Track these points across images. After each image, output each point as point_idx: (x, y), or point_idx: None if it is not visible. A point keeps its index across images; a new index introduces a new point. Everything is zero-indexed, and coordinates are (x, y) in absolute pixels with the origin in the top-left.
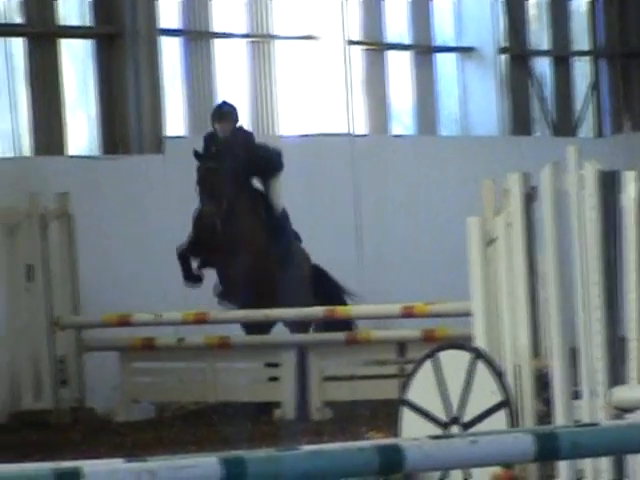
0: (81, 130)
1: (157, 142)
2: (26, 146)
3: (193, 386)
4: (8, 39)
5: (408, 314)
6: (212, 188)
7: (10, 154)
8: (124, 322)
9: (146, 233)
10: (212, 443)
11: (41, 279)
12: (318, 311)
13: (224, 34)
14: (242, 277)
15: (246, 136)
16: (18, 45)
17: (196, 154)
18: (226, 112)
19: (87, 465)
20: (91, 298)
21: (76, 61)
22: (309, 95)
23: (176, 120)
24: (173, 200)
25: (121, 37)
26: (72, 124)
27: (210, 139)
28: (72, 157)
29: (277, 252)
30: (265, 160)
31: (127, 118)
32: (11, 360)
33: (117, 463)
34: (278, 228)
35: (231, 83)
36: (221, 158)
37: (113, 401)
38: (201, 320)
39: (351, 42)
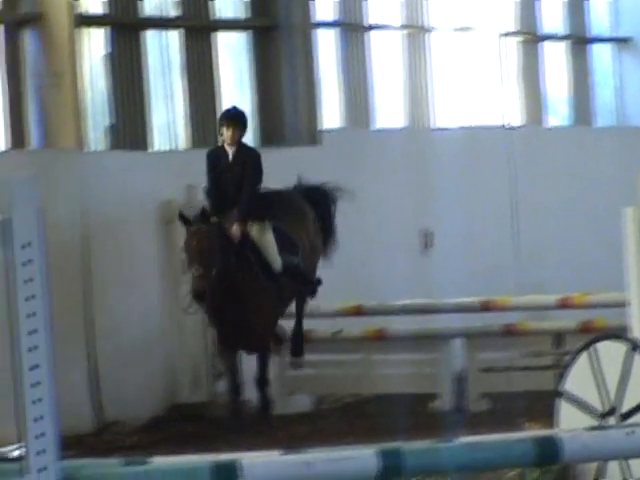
0: None
1: (313, 134)
2: (182, 139)
3: (350, 378)
4: (164, 32)
5: (565, 305)
6: (200, 253)
7: (167, 147)
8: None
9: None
10: (369, 435)
11: None
12: (474, 302)
13: (379, 26)
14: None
15: (251, 156)
16: (174, 38)
17: (181, 217)
18: (234, 115)
19: (245, 457)
20: None
21: (231, 54)
22: (464, 87)
23: (332, 112)
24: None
25: (276, 30)
26: None
27: (213, 157)
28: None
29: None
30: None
31: (283, 110)
32: (168, 355)
33: (274, 455)
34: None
35: (386, 75)
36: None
37: (273, 392)
38: (357, 312)
39: (506, 33)
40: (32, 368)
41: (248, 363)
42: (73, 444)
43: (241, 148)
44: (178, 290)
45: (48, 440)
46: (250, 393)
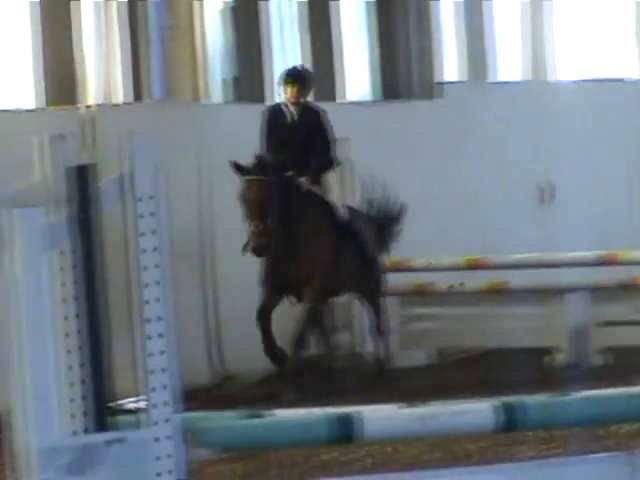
0: (359, 76)
1: (432, 87)
2: None
3: (468, 332)
4: None
5: None
6: (259, 206)
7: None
8: (399, 267)
9: (429, 179)
10: (489, 389)
11: None
12: (594, 255)
13: None
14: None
15: (315, 116)
16: None
17: (236, 166)
18: (299, 72)
19: (366, 410)
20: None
21: (351, 7)
22: (587, 39)
23: (452, 65)
24: (450, 148)
25: None
26: (350, 71)
27: (273, 117)
28: (350, 103)
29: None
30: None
31: (404, 64)
32: (288, 306)
33: (395, 408)
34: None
35: (503, 29)
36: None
37: (393, 345)
38: (475, 265)
39: None
40: (154, 320)
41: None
42: (193, 397)
43: (304, 108)
44: None
45: (169, 392)
46: (368, 346)
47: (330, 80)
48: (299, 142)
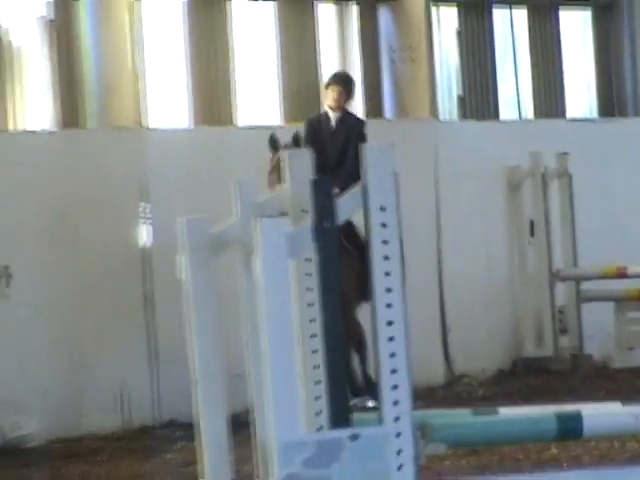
0: (580, 95)
1: None
2: (529, 109)
3: None
4: (511, 10)
5: None
6: None
7: (515, 117)
8: (621, 274)
9: None
10: None
11: (543, 234)
12: None
13: None
14: None
15: (357, 125)
16: (521, 15)
17: (272, 141)
18: (341, 76)
19: (587, 407)
20: (589, 252)
21: (575, 29)
22: None
23: None
24: None
25: (618, 6)
26: (571, 89)
27: (316, 123)
28: (571, 120)
29: None
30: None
31: (624, 82)
32: (515, 310)
33: (615, 406)
34: None
35: None
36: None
37: (609, 348)
38: None
39: None
40: (388, 324)
41: (591, 318)
42: (425, 395)
43: (346, 115)
44: (523, 249)
45: (402, 391)
46: (593, 348)
47: (555, 98)
48: (339, 148)
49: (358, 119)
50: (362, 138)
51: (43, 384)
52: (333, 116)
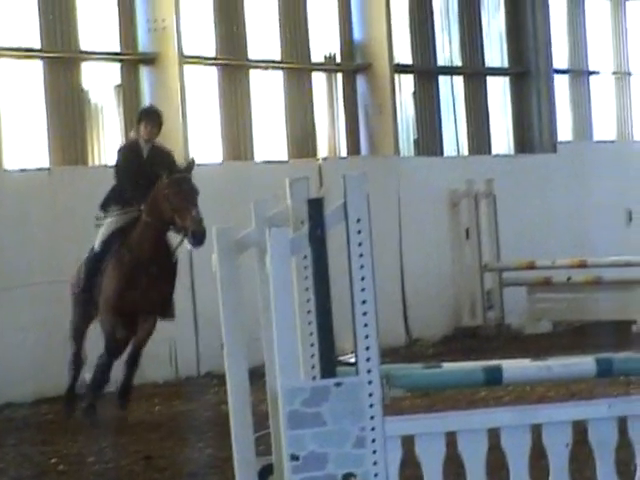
0: (501, 136)
1: (551, 144)
2: (465, 148)
3: (578, 310)
4: (451, 77)
5: None
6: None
7: (454, 153)
8: (531, 266)
9: (548, 207)
10: (591, 349)
11: (475, 237)
12: None
13: (594, 72)
14: None
15: (166, 156)
16: (459, 82)
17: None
18: (153, 112)
19: (505, 363)
20: (508, 250)
21: (497, 92)
22: None
23: (565, 128)
24: (565, 186)
25: (529, 75)
26: (495, 132)
27: (129, 151)
28: (495, 155)
29: None
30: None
31: (533, 129)
32: (455, 292)
33: (525, 362)
34: None
35: (600, 102)
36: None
37: (522, 320)
38: (582, 265)
39: None
40: (362, 303)
41: (510, 298)
42: (389, 354)
43: (155, 147)
44: (461, 248)
45: (372, 351)
46: (512, 319)
47: (485, 138)
48: (149, 177)
49: (167, 150)
50: (172, 166)
51: None
52: (144, 146)
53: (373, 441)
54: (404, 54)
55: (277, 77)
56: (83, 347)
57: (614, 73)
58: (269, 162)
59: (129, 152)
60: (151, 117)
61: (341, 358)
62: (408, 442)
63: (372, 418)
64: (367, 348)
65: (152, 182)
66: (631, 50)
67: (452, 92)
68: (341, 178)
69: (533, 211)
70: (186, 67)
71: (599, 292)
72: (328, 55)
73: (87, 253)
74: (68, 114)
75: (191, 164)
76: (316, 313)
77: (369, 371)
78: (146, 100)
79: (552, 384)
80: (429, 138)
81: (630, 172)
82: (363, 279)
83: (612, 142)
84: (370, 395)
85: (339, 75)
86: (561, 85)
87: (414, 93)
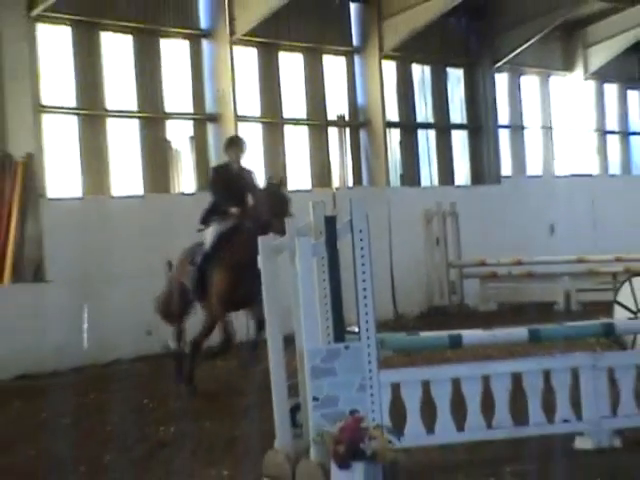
0: (462, 172)
1: (497, 178)
2: (436, 180)
3: (516, 294)
4: (428, 131)
5: None
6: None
7: (429, 185)
8: (483, 264)
9: (495, 222)
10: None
11: (443, 243)
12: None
13: (524, 127)
14: None
15: (250, 174)
16: (432, 134)
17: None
18: (241, 139)
19: (464, 332)
20: (468, 252)
21: (458, 142)
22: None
23: (506, 164)
24: (506, 207)
25: (483, 128)
26: (457, 169)
27: (222, 169)
28: (456, 186)
29: None
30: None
31: (484, 166)
32: (429, 280)
33: (478, 331)
34: None
35: (532, 154)
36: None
37: (477, 302)
38: (519, 262)
39: None
40: (363, 289)
41: (468, 286)
42: (382, 325)
43: (241, 167)
44: (433, 251)
45: (370, 323)
46: (469, 301)
47: (449, 171)
48: (239, 190)
49: (250, 170)
50: (254, 180)
51: None
52: (235, 167)
53: (371, 387)
54: (393, 114)
55: (303, 131)
56: (184, 324)
57: (542, 127)
58: (297, 191)
59: (222, 170)
60: (238, 143)
61: (348, 328)
62: (395, 388)
63: (370, 371)
64: (366, 321)
65: (242, 194)
66: (553, 111)
67: (427, 141)
68: (348, 202)
69: (484, 225)
70: (240, 124)
71: (531, 282)
72: (340, 115)
73: (190, 245)
74: (156, 157)
75: (283, 179)
76: (330, 296)
77: (368, 337)
78: (212, 149)
79: (497, 347)
80: (411, 174)
81: (552, 198)
82: (364, 272)
83: (539, 176)
84: (369, 355)
85: (347, 129)
86: (503, 136)
87: (400, 142)
